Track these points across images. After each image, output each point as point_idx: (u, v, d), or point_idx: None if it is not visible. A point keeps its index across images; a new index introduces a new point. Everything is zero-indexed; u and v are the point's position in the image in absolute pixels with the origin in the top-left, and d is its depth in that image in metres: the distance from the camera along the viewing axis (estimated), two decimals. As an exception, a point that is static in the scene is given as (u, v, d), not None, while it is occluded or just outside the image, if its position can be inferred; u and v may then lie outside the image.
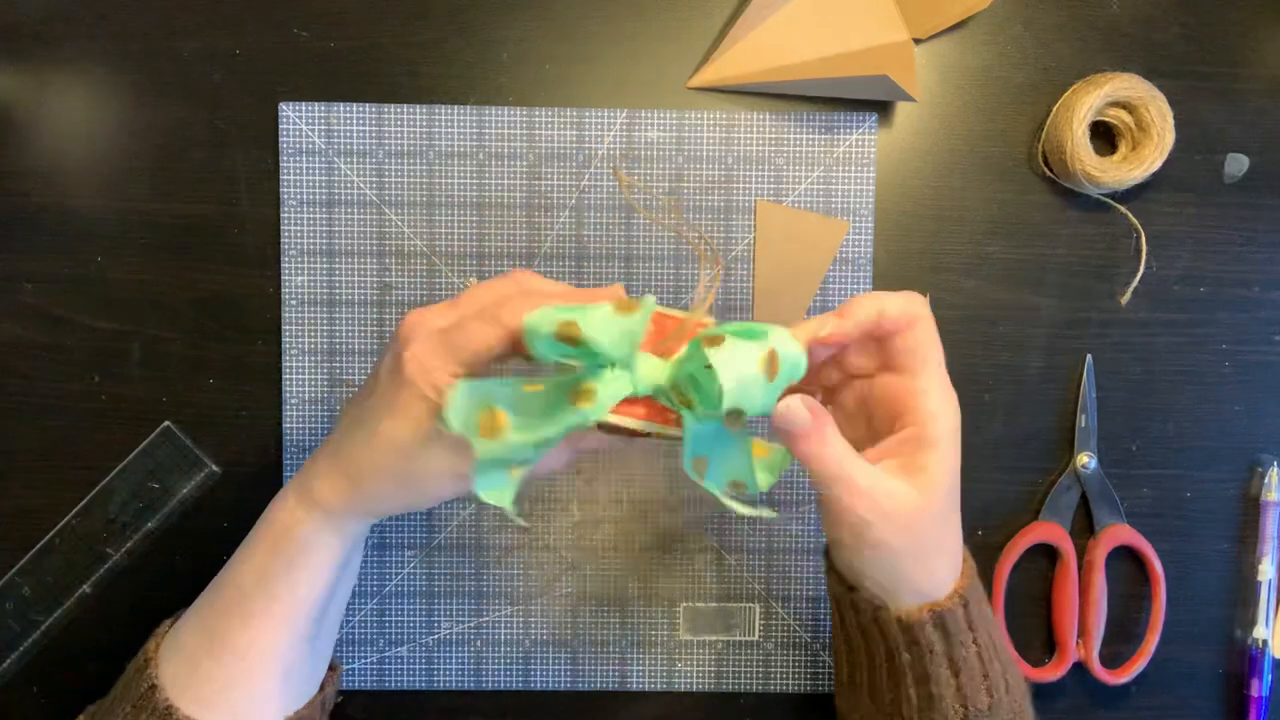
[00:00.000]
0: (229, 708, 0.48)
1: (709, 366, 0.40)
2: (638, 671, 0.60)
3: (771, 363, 0.41)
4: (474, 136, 0.58)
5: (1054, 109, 0.59)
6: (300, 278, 0.58)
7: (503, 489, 0.42)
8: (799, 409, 0.43)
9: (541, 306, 0.41)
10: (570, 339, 0.40)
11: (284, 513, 0.48)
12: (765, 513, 0.44)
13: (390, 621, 0.59)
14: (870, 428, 0.48)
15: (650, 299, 0.41)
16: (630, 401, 0.42)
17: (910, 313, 0.45)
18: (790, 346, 0.42)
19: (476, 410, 0.41)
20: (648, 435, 0.43)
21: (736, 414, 0.41)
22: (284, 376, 0.58)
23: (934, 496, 0.45)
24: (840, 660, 0.52)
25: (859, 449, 0.45)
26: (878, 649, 0.48)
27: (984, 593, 0.49)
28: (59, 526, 0.58)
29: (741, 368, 0.40)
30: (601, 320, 0.40)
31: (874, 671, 0.49)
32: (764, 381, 0.41)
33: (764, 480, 0.46)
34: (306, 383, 0.59)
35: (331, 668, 0.53)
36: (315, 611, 0.49)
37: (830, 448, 0.44)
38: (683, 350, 0.43)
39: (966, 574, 0.47)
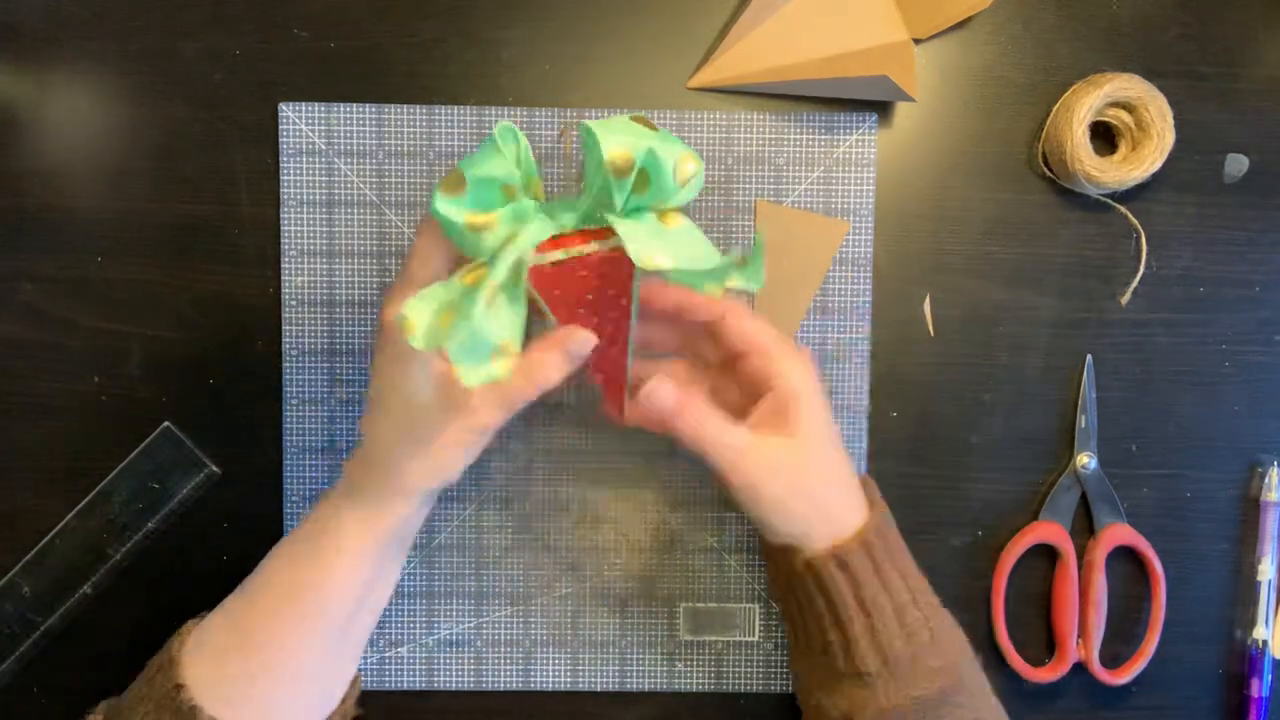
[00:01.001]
0: (254, 708, 0.48)
1: (597, 156, 0.43)
2: (638, 671, 0.60)
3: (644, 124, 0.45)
4: (474, 137, 0.58)
5: (1054, 109, 0.59)
6: (300, 278, 0.58)
7: (488, 370, 0.44)
8: (662, 390, 0.48)
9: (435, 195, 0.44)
10: (458, 187, 0.43)
11: (318, 507, 0.50)
12: (749, 281, 0.47)
13: (390, 622, 0.59)
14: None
15: (502, 124, 0.44)
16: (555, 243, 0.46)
17: (712, 311, 0.51)
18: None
19: (434, 318, 0.43)
20: (585, 257, 0.46)
21: (624, 167, 0.43)
22: (284, 377, 0.58)
23: (807, 442, 0.50)
24: (787, 622, 0.55)
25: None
26: (804, 598, 0.51)
27: (901, 543, 0.53)
28: (59, 527, 0.58)
29: (617, 128, 0.44)
30: (479, 159, 0.43)
31: (807, 623, 0.52)
32: (642, 130, 0.44)
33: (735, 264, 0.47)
34: (306, 383, 0.59)
35: (352, 682, 0.53)
36: (341, 611, 0.49)
37: (701, 420, 0.49)
38: (584, 162, 0.46)
39: (873, 518, 0.51)
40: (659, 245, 0.45)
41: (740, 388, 0.53)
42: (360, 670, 0.59)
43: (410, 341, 0.42)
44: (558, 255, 0.45)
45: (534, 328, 0.48)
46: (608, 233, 0.46)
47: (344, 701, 0.52)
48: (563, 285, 0.46)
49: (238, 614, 0.50)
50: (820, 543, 0.50)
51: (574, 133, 0.57)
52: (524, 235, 0.44)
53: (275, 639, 0.49)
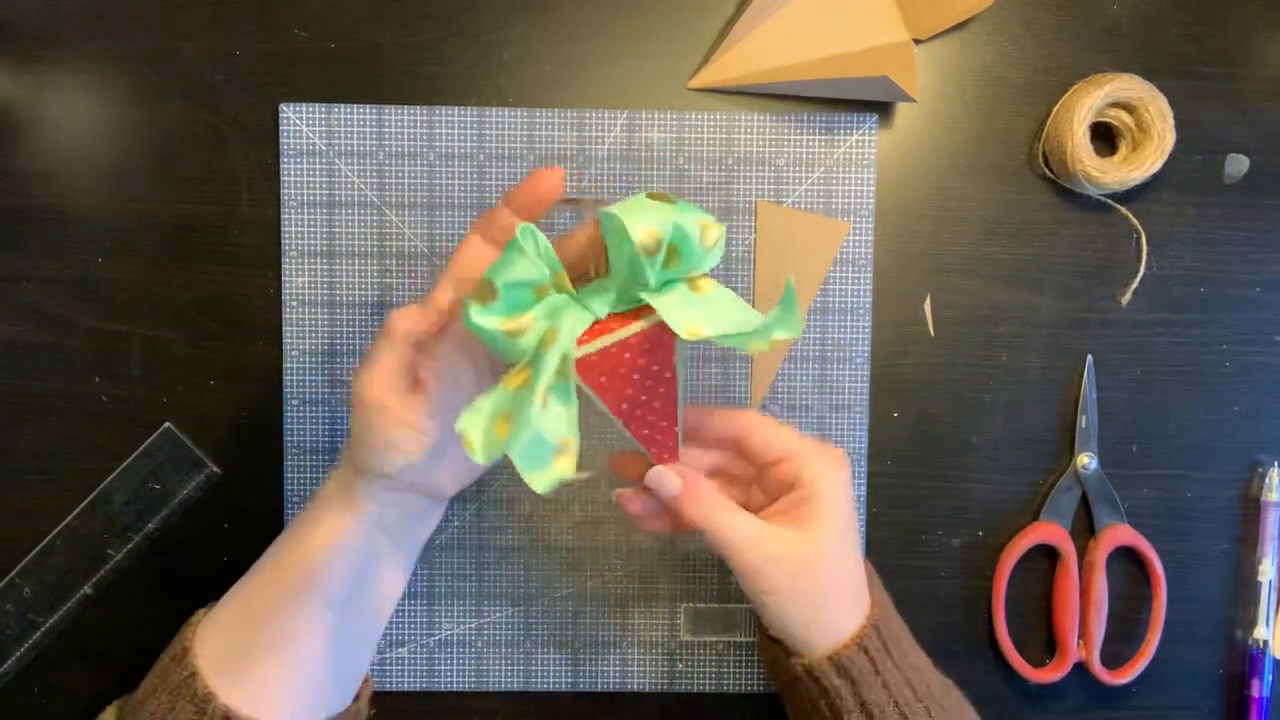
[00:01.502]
0: (259, 689, 0.48)
1: (622, 241, 0.43)
2: (638, 672, 0.60)
3: (663, 199, 0.45)
4: (474, 138, 0.58)
5: (1054, 109, 0.59)
6: (301, 279, 0.58)
7: (547, 470, 0.44)
8: (666, 476, 0.49)
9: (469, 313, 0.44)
10: (490, 296, 0.43)
11: (321, 485, 0.51)
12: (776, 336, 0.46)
13: (391, 622, 0.59)
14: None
15: (522, 226, 0.44)
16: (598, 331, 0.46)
17: (733, 424, 0.51)
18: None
19: (490, 428, 0.43)
20: (626, 339, 0.46)
21: (654, 246, 0.43)
22: (284, 377, 0.58)
23: (822, 542, 0.49)
24: (788, 708, 0.54)
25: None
26: (804, 698, 0.51)
27: (899, 630, 0.52)
28: (59, 527, 0.58)
29: (639, 209, 0.44)
30: (506, 264, 0.44)
31: (808, 716, 0.52)
32: (661, 206, 0.44)
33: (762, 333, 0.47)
34: (307, 384, 0.59)
35: (364, 679, 0.53)
36: (329, 587, 0.49)
37: (709, 506, 0.49)
38: (608, 248, 0.46)
39: (871, 618, 0.50)
40: (697, 314, 0.45)
41: (768, 494, 0.52)
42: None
43: (473, 457, 0.42)
44: (600, 343, 0.45)
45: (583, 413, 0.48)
46: (644, 311, 0.46)
47: (357, 700, 0.53)
48: (608, 372, 0.46)
49: (243, 591, 0.51)
50: (818, 649, 0.50)
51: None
52: (564, 331, 0.44)
53: (275, 615, 0.49)
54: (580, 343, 0.45)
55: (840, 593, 0.50)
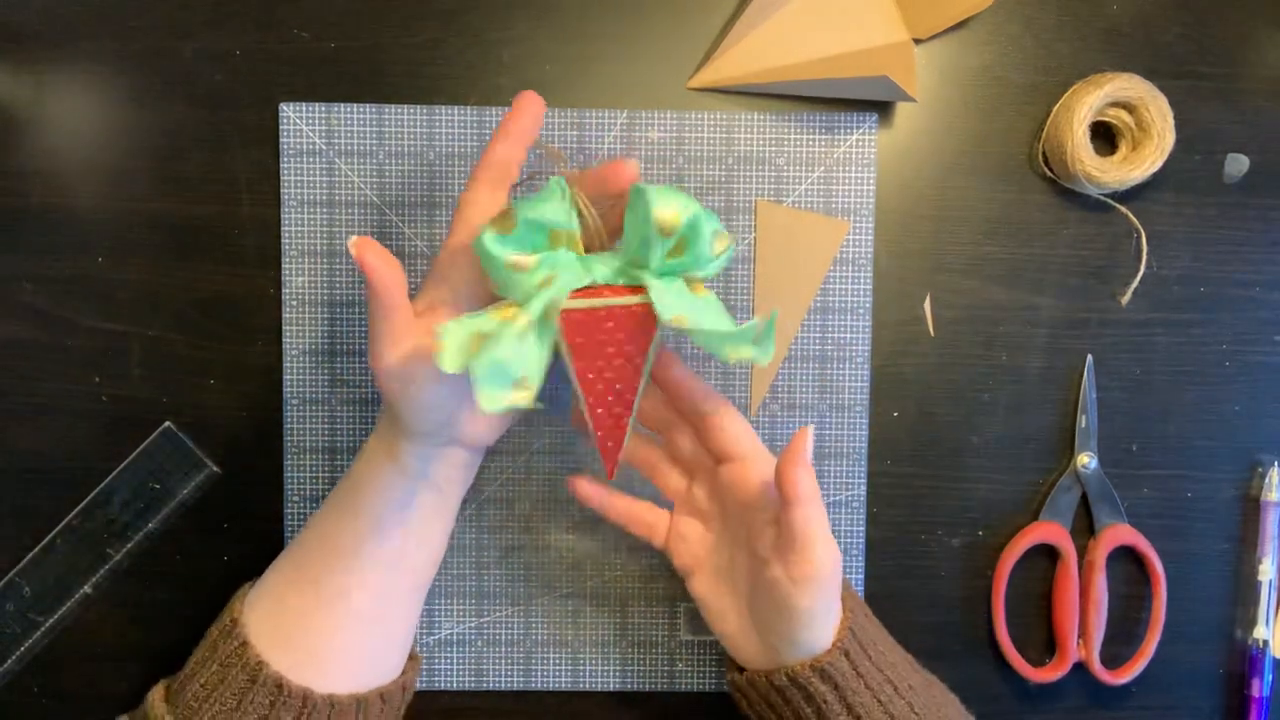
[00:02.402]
0: (311, 653, 0.49)
1: (644, 214, 0.45)
2: (638, 671, 0.60)
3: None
4: (474, 137, 0.58)
5: (1054, 109, 0.59)
6: (301, 278, 0.58)
7: (503, 393, 0.45)
8: (808, 441, 0.48)
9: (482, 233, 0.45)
10: (509, 225, 0.45)
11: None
12: (758, 353, 0.47)
13: (390, 622, 0.59)
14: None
15: (556, 177, 0.46)
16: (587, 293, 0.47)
17: (708, 403, 0.52)
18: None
19: (466, 343, 0.45)
20: (613, 308, 0.47)
21: (670, 227, 0.45)
22: (284, 377, 0.58)
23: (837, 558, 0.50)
24: None
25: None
26: (787, 716, 0.51)
27: (875, 631, 0.53)
28: (59, 526, 0.58)
29: (668, 192, 0.45)
30: (536, 201, 0.45)
31: None
32: (689, 199, 0.45)
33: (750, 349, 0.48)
34: (306, 383, 0.59)
35: (412, 657, 0.55)
36: (389, 542, 0.50)
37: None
38: (624, 214, 0.47)
39: (845, 624, 0.51)
40: (684, 306, 0.46)
41: (706, 486, 0.54)
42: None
43: (438, 361, 0.44)
44: (589, 303, 0.47)
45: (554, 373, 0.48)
46: (638, 291, 0.47)
47: (404, 674, 0.53)
48: (587, 334, 0.47)
49: (292, 558, 0.52)
50: (792, 658, 0.50)
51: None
52: (561, 279, 0.46)
53: (325, 575, 0.50)
54: (573, 296, 0.47)
55: (834, 609, 0.51)
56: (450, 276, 0.49)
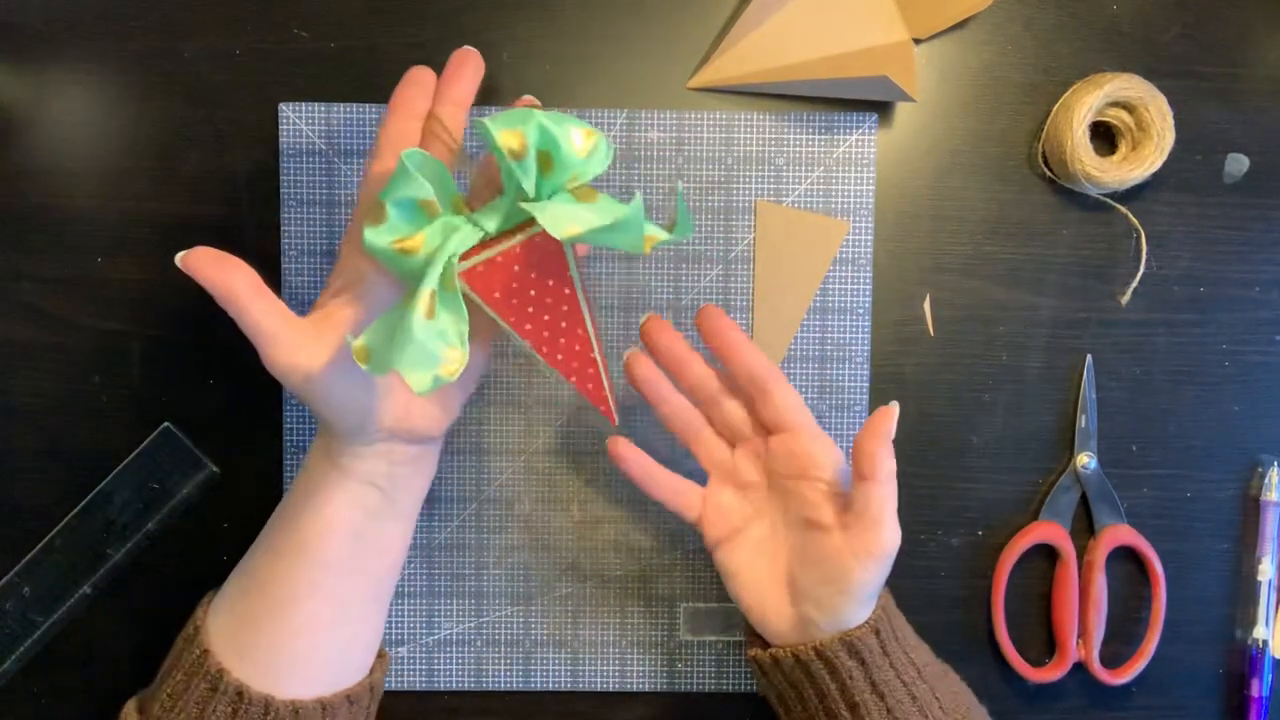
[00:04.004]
0: (266, 658, 0.49)
1: (494, 146, 0.43)
2: (638, 671, 0.60)
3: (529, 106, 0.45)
4: (474, 137, 0.58)
5: (1054, 109, 0.59)
6: (300, 278, 0.58)
7: (435, 374, 0.44)
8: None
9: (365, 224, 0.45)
10: (381, 215, 0.44)
11: None
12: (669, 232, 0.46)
13: (390, 622, 0.59)
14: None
15: (406, 151, 0.44)
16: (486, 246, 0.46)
17: (760, 370, 0.52)
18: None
19: (385, 344, 0.44)
20: (510, 249, 0.46)
21: (519, 148, 0.44)
22: (284, 377, 0.58)
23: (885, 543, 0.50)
24: (782, 709, 0.54)
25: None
26: (809, 693, 0.51)
27: (904, 624, 0.53)
28: (59, 526, 0.58)
29: (509, 116, 0.44)
30: (392, 184, 0.44)
31: (807, 707, 0.52)
32: (531, 112, 0.43)
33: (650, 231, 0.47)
34: (306, 383, 0.58)
35: (380, 656, 0.54)
36: (323, 545, 0.49)
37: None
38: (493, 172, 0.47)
39: (880, 606, 0.51)
40: (575, 217, 0.45)
41: (755, 456, 0.54)
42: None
43: (365, 368, 0.43)
44: (485, 255, 0.46)
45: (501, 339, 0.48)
46: (530, 224, 0.46)
47: (371, 674, 0.52)
48: (500, 285, 0.46)
49: (246, 566, 0.51)
50: (823, 632, 0.50)
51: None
52: (451, 241, 0.45)
53: (274, 582, 0.49)
54: (468, 256, 0.46)
55: (879, 590, 0.51)
56: (347, 257, 0.48)
